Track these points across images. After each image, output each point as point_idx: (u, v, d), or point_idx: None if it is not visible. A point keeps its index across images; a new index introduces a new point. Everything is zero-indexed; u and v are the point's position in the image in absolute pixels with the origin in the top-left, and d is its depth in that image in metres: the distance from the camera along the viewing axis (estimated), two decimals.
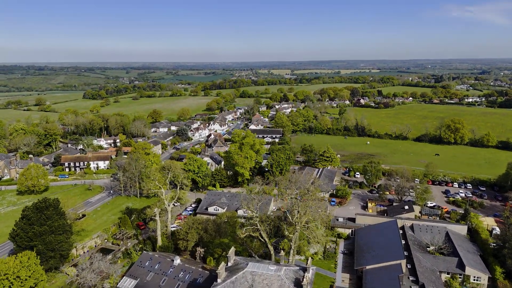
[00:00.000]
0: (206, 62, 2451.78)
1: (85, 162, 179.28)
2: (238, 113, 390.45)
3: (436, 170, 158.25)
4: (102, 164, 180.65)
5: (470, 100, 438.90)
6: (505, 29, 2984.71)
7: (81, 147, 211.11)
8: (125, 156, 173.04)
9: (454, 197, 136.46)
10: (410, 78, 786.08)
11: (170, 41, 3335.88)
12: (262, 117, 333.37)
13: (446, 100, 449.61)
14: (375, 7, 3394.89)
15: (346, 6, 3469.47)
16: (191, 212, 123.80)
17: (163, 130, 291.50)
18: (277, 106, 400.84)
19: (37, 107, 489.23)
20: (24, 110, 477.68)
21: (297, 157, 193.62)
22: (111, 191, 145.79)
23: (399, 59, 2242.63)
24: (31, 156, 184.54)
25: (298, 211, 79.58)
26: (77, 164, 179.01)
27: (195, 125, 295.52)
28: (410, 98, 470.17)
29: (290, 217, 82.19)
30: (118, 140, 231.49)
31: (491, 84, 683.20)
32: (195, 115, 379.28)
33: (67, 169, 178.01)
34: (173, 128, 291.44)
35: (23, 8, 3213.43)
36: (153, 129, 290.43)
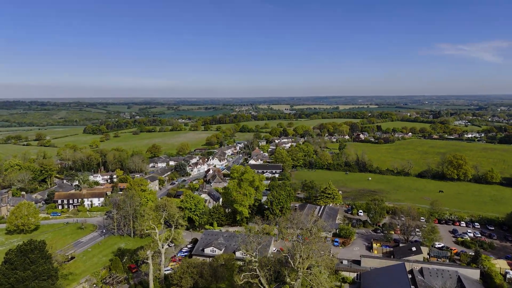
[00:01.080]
0: (207, 98, 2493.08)
1: (79, 199, 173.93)
2: (238, 148, 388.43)
3: (442, 208, 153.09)
4: (97, 201, 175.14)
5: (470, 135, 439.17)
6: (498, 66, 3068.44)
7: (77, 183, 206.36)
8: (121, 192, 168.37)
9: (462, 237, 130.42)
10: (409, 114, 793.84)
11: (172, 77, 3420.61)
12: (262, 152, 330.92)
13: (446, 135, 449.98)
14: (371, 46, 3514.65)
15: (343, 44, 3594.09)
16: (186, 254, 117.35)
17: (162, 165, 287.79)
18: (276, 141, 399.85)
19: (37, 142, 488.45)
20: (24, 145, 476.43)
21: (298, 194, 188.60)
22: (104, 230, 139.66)
23: (396, 95, 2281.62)
24: (23, 193, 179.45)
25: (301, 255, 74.32)
26: (70, 201, 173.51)
27: (194, 160, 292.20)
28: (410, 133, 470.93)
29: (291, 262, 76.71)
30: (115, 176, 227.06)
31: (489, 120, 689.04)
32: (195, 150, 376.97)
33: (60, 207, 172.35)
34: (172, 163, 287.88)
35: (28, 46, 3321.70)
36: (151, 164, 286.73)
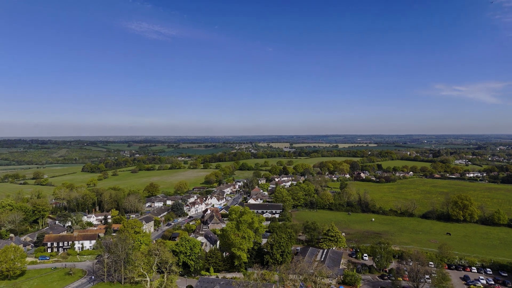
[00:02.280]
0: (207, 136, 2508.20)
1: (70, 242, 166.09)
2: (237, 186, 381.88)
3: (451, 252, 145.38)
4: (88, 244, 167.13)
5: (472, 175, 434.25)
6: (494, 107, 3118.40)
7: (69, 224, 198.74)
8: (115, 234, 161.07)
9: (475, 285, 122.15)
10: (408, 153, 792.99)
11: (172, 116, 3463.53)
12: (261, 191, 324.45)
13: (447, 174, 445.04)
14: (369, 84, 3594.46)
15: (341, 83, 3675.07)
16: None
17: (159, 204, 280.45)
18: (276, 179, 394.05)
19: (34, 181, 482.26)
20: (21, 183, 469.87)
21: (299, 236, 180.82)
22: (93, 277, 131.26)
23: (395, 134, 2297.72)
24: (12, 235, 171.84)
25: None
26: (60, 244, 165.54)
27: (192, 199, 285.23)
28: (411, 172, 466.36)
29: None
30: (109, 216, 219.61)
31: (489, 159, 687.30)
32: (193, 189, 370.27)
33: (49, 250, 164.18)
34: (169, 202, 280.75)
35: (30, 86, 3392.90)
36: (148, 204, 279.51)
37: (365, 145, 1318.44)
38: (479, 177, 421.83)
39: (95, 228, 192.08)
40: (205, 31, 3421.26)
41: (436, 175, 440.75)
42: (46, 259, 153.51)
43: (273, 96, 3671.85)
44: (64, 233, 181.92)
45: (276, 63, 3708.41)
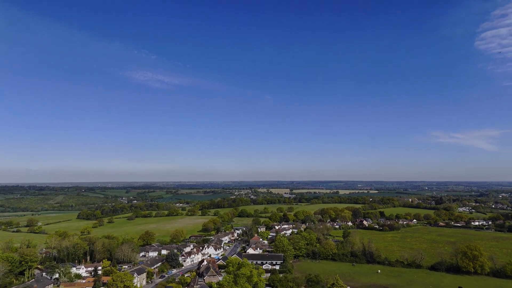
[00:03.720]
0: (206, 181, 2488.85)
1: None
2: (236, 234, 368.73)
3: None
4: None
5: (477, 223, 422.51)
6: (493, 154, 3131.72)
7: (57, 276, 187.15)
8: None
9: None
10: (410, 200, 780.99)
11: (172, 161, 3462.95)
12: (261, 240, 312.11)
13: (452, 223, 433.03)
14: (367, 131, 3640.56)
15: (341, 130, 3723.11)
16: None
17: (153, 254, 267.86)
18: (277, 227, 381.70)
19: (27, 228, 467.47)
20: (14, 231, 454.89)
21: None
22: None
23: (395, 180, 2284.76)
24: None
25: None
26: None
27: (188, 249, 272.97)
28: (414, 220, 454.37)
29: None
30: (99, 268, 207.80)
31: (493, 206, 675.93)
32: (190, 237, 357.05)
33: None
34: (164, 251, 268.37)
35: (31, 132, 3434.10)
36: (142, 253, 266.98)
37: (366, 191, 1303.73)
38: (485, 225, 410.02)
39: (83, 281, 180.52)
40: (206, 79, 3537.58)
41: (441, 223, 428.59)
42: None
43: (273, 142, 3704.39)
44: (50, 286, 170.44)
45: (276, 110, 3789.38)
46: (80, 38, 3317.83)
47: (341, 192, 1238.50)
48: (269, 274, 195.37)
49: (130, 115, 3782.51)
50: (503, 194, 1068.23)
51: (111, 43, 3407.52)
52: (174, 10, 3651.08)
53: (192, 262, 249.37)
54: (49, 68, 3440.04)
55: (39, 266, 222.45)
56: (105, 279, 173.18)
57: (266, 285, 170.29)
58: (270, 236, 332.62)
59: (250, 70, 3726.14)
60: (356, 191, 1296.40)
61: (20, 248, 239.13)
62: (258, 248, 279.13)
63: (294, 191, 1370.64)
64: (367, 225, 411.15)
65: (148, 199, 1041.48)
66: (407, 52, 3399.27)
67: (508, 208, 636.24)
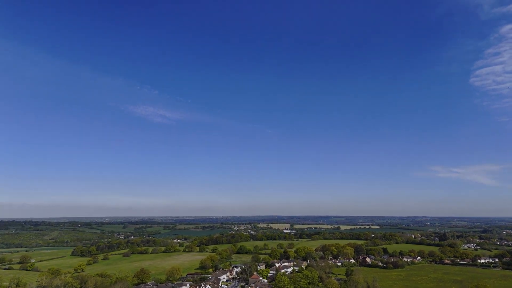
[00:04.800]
0: (205, 216, 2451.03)
1: None
2: (234, 272, 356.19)
3: None
4: None
5: (483, 261, 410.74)
6: (494, 189, 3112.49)
7: None
8: None
9: None
10: (413, 236, 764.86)
11: (169, 196, 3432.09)
12: (260, 278, 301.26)
13: (458, 260, 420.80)
14: (367, 166, 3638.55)
15: (340, 164, 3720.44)
16: None
17: None
18: (277, 264, 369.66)
19: (20, 265, 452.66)
20: (5, 268, 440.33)
21: None
22: None
23: (397, 216, 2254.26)
24: None
25: None
26: None
27: None
28: (419, 257, 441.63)
29: None
30: None
31: (498, 243, 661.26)
32: (186, 275, 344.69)
33: None
34: None
35: (27, 167, 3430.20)
36: None
37: (367, 227, 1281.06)
38: (492, 263, 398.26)
39: None
40: (207, 114, 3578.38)
41: (446, 261, 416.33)
42: None
43: (273, 176, 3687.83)
44: None
45: (276, 144, 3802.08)
46: (84, 74, 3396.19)
47: (343, 227, 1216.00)
48: None
49: (129, 149, 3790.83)
50: (507, 230, 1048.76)
51: (115, 79, 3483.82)
52: (177, 47, 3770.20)
53: None
54: (50, 102, 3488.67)
55: None
56: None
57: None
58: (270, 275, 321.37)
59: (251, 105, 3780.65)
60: (358, 227, 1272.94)
61: (9, 287, 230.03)
62: (258, 287, 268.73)
63: (294, 226, 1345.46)
64: (370, 263, 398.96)
65: (145, 235, 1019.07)
66: (405, 88, 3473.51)
67: None
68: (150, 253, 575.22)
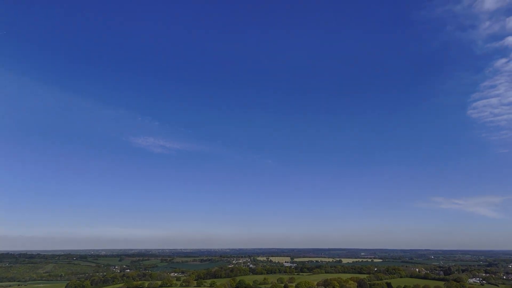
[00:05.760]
0: (203, 249, 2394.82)
1: None
2: None
3: None
4: None
5: None
6: (497, 222, 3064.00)
7: None
8: None
9: None
10: (417, 270, 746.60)
11: (168, 228, 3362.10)
12: None
13: None
14: (367, 197, 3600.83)
15: (341, 195, 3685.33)
16: None
17: None
18: None
19: None
20: None
21: None
22: None
23: (399, 249, 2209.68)
24: None
25: None
26: None
27: None
28: None
29: None
30: None
31: (504, 277, 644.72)
32: None
33: None
34: None
35: (24, 199, 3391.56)
36: None
37: (369, 260, 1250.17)
38: None
39: None
40: (208, 145, 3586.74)
41: None
42: None
43: (273, 207, 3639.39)
44: None
45: (276, 174, 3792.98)
46: (86, 105, 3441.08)
47: (344, 260, 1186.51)
48: None
49: (128, 180, 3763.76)
50: None
51: (117, 110, 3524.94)
52: (179, 80, 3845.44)
53: None
54: (48, 133, 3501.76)
55: None
56: None
57: None
58: None
59: (251, 136, 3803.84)
60: (360, 260, 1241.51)
61: None
62: None
63: (295, 259, 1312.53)
64: None
65: (141, 268, 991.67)
66: (404, 121, 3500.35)
67: None
68: (146, 287, 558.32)
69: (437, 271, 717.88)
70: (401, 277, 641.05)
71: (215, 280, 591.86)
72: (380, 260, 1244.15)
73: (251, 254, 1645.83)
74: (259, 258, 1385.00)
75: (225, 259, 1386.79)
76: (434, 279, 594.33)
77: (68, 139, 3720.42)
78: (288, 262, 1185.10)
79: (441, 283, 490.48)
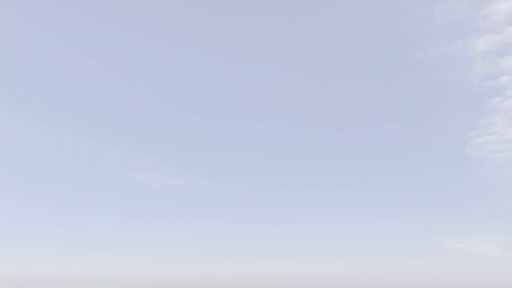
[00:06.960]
0: None
1: None
2: None
3: None
4: None
5: None
6: (502, 261, 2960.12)
7: None
8: None
9: None
10: None
11: (165, 267, 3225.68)
12: None
13: None
14: (366, 238, 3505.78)
15: (341, 233, 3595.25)
16: None
17: None
18: None
19: None
20: None
21: None
22: None
23: None
24: None
25: None
26: None
27: None
28: None
29: None
30: None
31: None
32: None
33: None
34: None
35: (16, 237, 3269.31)
36: None
37: None
38: None
39: None
40: (208, 181, 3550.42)
41: None
42: None
43: (275, 245, 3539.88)
44: None
45: (276, 210, 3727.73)
46: (86, 143, 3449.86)
47: None
48: None
49: (124, 217, 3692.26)
50: None
51: (118, 146, 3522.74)
52: (180, 119, 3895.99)
53: None
54: (46, 171, 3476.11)
55: None
56: None
57: None
58: None
59: (251, 172, 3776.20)
60: None
61: None
62: None
63: None
64: None
65: None
66: (403, 158, 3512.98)
67: None
68: None
69: None
70: None
71: None
72: None
73: None
74: None
75: None
76: None
77: (63, 176, 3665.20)
78: None
79: None
